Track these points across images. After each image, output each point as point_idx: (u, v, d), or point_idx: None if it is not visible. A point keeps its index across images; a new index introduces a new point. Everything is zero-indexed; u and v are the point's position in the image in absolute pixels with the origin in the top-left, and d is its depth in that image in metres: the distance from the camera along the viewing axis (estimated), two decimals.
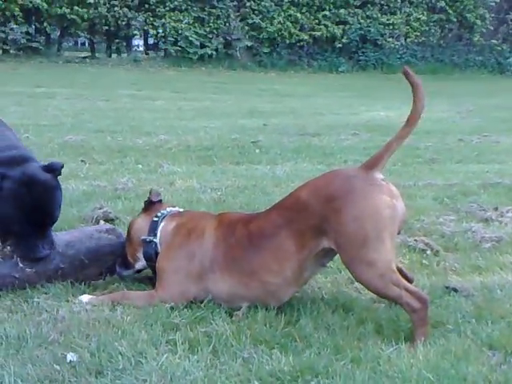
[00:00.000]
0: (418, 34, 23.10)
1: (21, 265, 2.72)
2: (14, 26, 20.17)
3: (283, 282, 2.52)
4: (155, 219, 2.80)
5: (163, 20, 21.52)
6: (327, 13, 22.30)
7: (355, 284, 2.85)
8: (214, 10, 21.83)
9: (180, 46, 21.68)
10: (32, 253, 2.73)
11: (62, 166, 2.91)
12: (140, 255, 2.83)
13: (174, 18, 21.56)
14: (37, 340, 2.25)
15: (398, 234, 2.54)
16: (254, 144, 6.96)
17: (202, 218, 2.80)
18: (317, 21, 22.32)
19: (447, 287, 2.89)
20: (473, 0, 23.58)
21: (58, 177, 2.89)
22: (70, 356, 2.13)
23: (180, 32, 21.57)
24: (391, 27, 22.85)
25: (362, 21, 22.54)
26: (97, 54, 22.76)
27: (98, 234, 2.97)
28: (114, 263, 2.93)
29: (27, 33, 20.76)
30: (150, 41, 24.76)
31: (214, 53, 22.02)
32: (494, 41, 23.75)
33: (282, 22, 22.04)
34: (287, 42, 22.28)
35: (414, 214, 3.95)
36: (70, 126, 7.72)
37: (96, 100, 10.98)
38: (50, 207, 2.82)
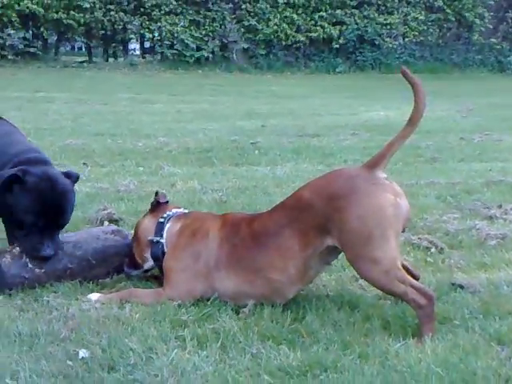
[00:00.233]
0: (417, 33, 23.04)
1: (30, 265, 2.77)
2: (11, 32, 20.20)
3: (288, 279, 2.55)
4: (161, 220, 2.85)
5: (159, 23, 21.56)
6: (324, 13, 22.29)
7: (360, 281, 2.89)
8: (209, 13, 21.86)
9: (176, 49, 21.72)
10: (36, 250, 2.78)
11: (78, 177, 3.07)
12: (148, 255, 2.88)
13: (169, 21, 21.59)
14: (49, 337, 2.29)
15: (403, 231, 2.56)
16: (253, 145, 7.01)
17: (207, 218, 2.85)
18: (313, 22, 22.30)
19: (453, 284, 2.90)
20: None
21: None
22: (82, 352, 2.18)
23: (176, 35, 21.61)
24: (389, 27, 22.81)
25: (359, 21, 22.50)
26: (94, 59, 22.81)
27: (105, 235, 3.02)
28: (120, 264, 2.98)
29: (24, 38, 20.78)
30: (147, 44, 24.77)
31: (211, 55, 22.07)
32: (493, 39, 23.63)
33: (277, 23, 22.04)
34: (283, 43, 22.30)
35: (417, 212, 3.99)
36: (70, 129, 7.76)
37: (95, 104, 11.02)
38: (65, 209, 2.90)
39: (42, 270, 2.79)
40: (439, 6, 23.31)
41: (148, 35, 22.16)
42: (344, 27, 22.47)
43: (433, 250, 3.42)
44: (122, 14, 21.36)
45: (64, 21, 20.65)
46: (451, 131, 8.38)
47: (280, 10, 22.15)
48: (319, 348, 2.25)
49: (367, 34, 22.54)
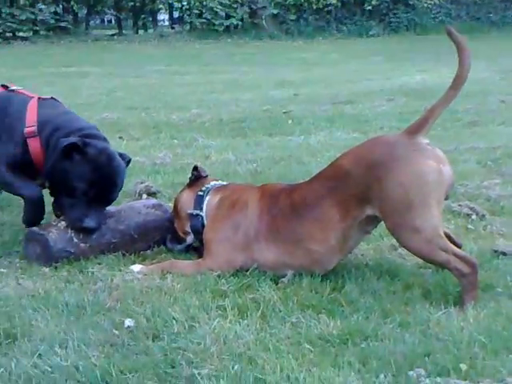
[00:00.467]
0: None
1: (76, 240, 2.84)
2: (43, 7, 20.34)
3: (328, 250, 2.56)
4: (200, 193, 2.89)
5: None
6: None
7: (399, 250, 2.89)
8: None
9: (205, 18, 21.60)
10: (80, 221, 2.85)
11: (130, 160, 3.19)
12: (188, 229, 2.93)
13: None
14: (95, 307, 2.36)
15: (446, 199, 2.53)
16: (286, 114, 6.98)
17: (246, 189, 2.86)
18: None
19: (495, 251, 2.87)
20: None
21: None
22: (128, 322, 2.24)
23: (205, 3, 21.46)
24: None
25: None
26: (124, 31, 22.87)
27: (146, 210, 3.07)
28: (161, 238, 3.04)
29: (55, 13, 20.94)
30: (175, 14, 24.72)
31: (240, 23, 21.89)
32: None
33: None
34: (314, 7, 21.89)
35: (457, 178, 3.90)
36: (104, 103, 7.84)
37: (127, 77, 11.08)
38: (116, 186, 2.99)
39: (87, 245, 2.86)
40: None
41: (177, 4, 22.07)
42: None
43: (474, 216, 3.38)
44: None
45: None
46: (490, 93, 8.17)
47: None
48: (359, 317, 2.26)
49: None
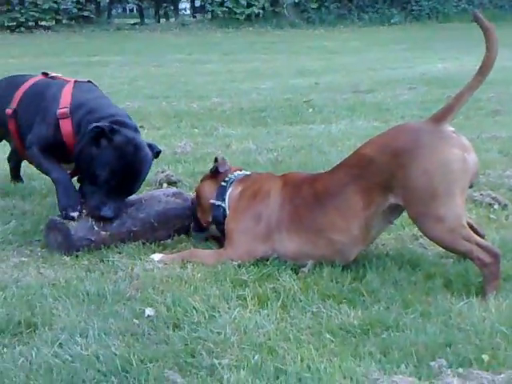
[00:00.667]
0: None
1: (96, 228, 2.85)
2: None
3: (350, 240, 2.53)
4: (223, 184, 2.87)
5: None
6: None
7: (420, 240, 2.86)
8: None
9: (227, 7, 21.57)
10: (97, 209, 2.85)
11: (159, 152, 3.15)
12: (210, 218, 2.92)
13: None
14: (115, 296, 2.37)
15: (470, 187, 2.50)
16: (307, 103, 6.95)
17: (267, 179, 2.84)
18: None
19: None
20: None
21: None
22: (148, 311, 2.24)
23: None
24: None
25: None
26: (145, 20, 22.94)
27: (166, 198, 3.07)
28: (181, 226, 3.04)
29: (78, 2, 21.03)
30: (197, 3, 24.71)
31: (261, 12, 21.82)
32: None
33: None
34: None
35: (479, 167, 3.88)
36: (126, 92, 7.87)
37: (148, 66, 11.12)
38: (139, 177, 2.97)
39: (107, 233, 2.86)
40: None
41: None
42: None
43: (496, 206, 3.34)
44: None
45: None
46: None
47: None
48: (380, 307, 2.24)
49: None
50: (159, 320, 2.19)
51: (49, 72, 3.45)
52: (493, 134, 5.08)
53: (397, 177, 2.39)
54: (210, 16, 22.47)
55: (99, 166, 2.85)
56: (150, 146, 3.05)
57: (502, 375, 1.82)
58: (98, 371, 1.87)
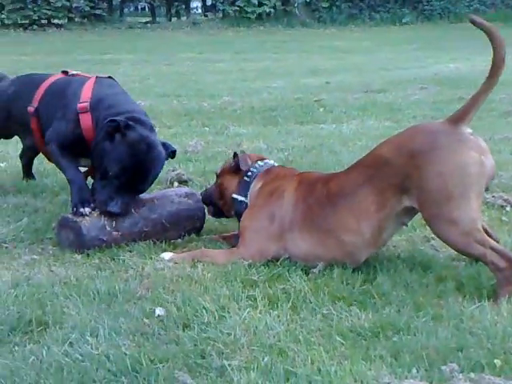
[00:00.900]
0: None
1: (108, 228, 2.85)
2: None
3: (362, 242, 2.51)
4: (246, 179, 2.86)
5: None
6: None
7: (432, 242, 2.85)
8: None
9: (238, 6, 21.57)
10: (104, 204, 2.85)
11: (175, 152, 3.15)
12: (233, 212, 2.93)
13: None
14: (126, 295, 2.37)
15: (486, 190, 2.48)
16: (318, 103, 6.94)
17: (285, 177, 2.80)
18: None
19: None
20: None
21: None
22: (158, 310, 2.24)
23: None
24: None
25: None
26: (157, 19, 23.00)
27: (178, 199, 3.06)
28: (193, 227, 3.05)
29: (90, 0, 21.10)
30: (208, 2, 24.74)
31: (272, 11, 21.81)
32: None
33: None
34: None
35: (495, 170, 3.84)
36: (138, 91, 7.85)
37: (159, 64, 11.15)
38: (149, 176, 2.96)
39: (119, 233, 2.86)
40: None
41: None
42: None
43: (508, 208, 3.32)
44: None
45: None
46: None
47: None
48: (391, 309, 2.23)
49: None
50: (169, 320, 2.18)
51: (69, 70, 3.46)
52: (505, 135, 5.04)
53: (412, 178, 2.36)
54: (221, 15, 22.48)
55: (110, 160, 2.86)
56: (164, 145, 3.04)
57: None
58: (108, 371, 1.87)
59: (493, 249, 2.31)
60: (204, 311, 2.22)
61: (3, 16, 20.59)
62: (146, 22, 22.49)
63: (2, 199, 3.56)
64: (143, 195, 3.04)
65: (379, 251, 2.69)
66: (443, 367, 1.87)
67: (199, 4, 26.68)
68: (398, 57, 11.89)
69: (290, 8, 22.10)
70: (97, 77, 3.28)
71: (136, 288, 2.43)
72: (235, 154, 2.93)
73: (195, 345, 2.01)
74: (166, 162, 3.08)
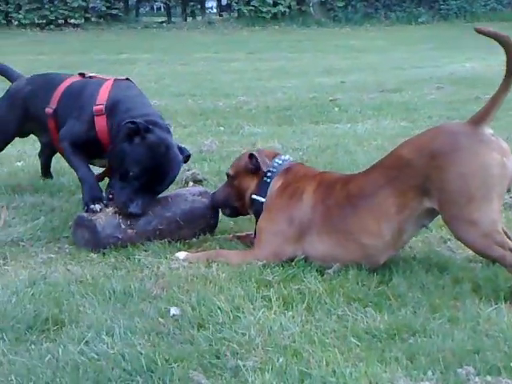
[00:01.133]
0: None
1: (123, 226, 2.86)
2: None
3: (381, 244, 2.49)
4: (266, 180, 2.82)
5: None
6: None
7: (448, 243, 2.83)
8: None
9: (253, 6, 21.56)
10: (125, 205, 2.87)
11: (189, 156, 3.21)
12: (251, 212, 2.92)
13: None
14: (141, 294, 2.38)
15: (508, 191, 2.46)
16: (333, 102, 6.91)
17: (304, 177, 2.76)
18: None
19: None
20: None
21: None
22: (173, 310, 2.24)
23: None
24: None
25: None
26: (173, 19, 23.05)
27: (192, 197, 3.08)
28: (206, 226, 3.05)
29: (106, 0, 21.20)
30: (224, 2, 24.76)
31: (287, 10, 21.78)
32: None
33: None
34: None
35: None
36: (153, 90, 7.88)
37: (175, 64, 11.17)
38: (168, 177, 3.00)
39: (134, 231, 2.88)
40: None
41: None
42: None
43: None
44: None
45: None
46: None
47: None
48: (407, 311, 2.21)
49: None
50: (184, 319, 2.19)
51: (86, 72, 3.48)
52: None
53: (433, 179, 2.35)
54: (236, 14, 22.49)
55: (130, 162, 2.89)
56: (180, 148, 3.07)
57: None
58: (124, 370, 1.88)
59: None
60: (219, 311, 2.23)
61: (20, 16, 20.74)
62: (162, 22, 22.56)
63: (20, 198, 3.59)
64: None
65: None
66: (459, 370, 1.85)
67: (214, 4, 26.72)
68: (413, 56, 11.82)
69: (305, 7, 22.06)
70: (114, 79, 3.30)
71: (151, 287, 2.44)
72: (251, 155, 2.88)
73: (210, 345, 2.02)
74: (181, 165, 3.11)
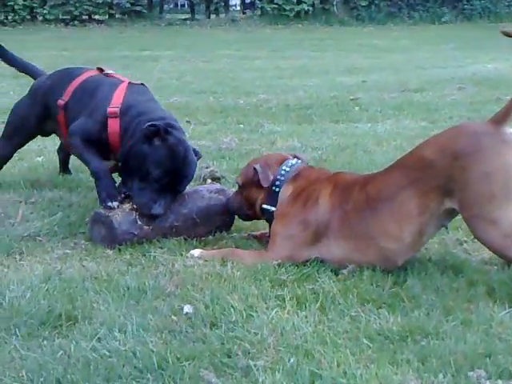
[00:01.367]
0: None
1: (139, 222, 2.88)
2: None
3: (402, 247, 2.46)
4: (275, 189, 2.79)
5: None
6: None
7: (464, 245, 2.81)
8: None
9: (276, 4, 21.54)
10: (148, 207, 2.89)
11: (200, 157, 3.25)
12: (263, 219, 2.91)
13: None
14: (155, 292, 2.38)
15: None
16: (354, 101, 6.88)
17: (317, 181, 2.72)
18: None
19: None
20: None
21: None
22: (187, 308, 2.24)
23: None
24: None
25: None
26: (196, 16, 23.11)
27: (209, 195, 3.08)
28: (223, 223, 3.06)
29: None
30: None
31: (311, 8, 21.72)
32: None
33: None
34: None
35: None
36: (174, 87, 7.94)
37: (197, 61, 11.19)
38: (187, 178, 3.04)
39: (150, 227, 2.89)
40: None
41: None
42: None
43: None
44: None
45: None
46: None
47: None
48: (420, 313, 2.20)
49: None
50: (197, 318, 2.19)
51: (104, 68, 3.51)
52: None
53: (456, 180, 2.34)
54: (259, 12, 22.47)
55: (151, 164, 2.91)
56: (193, 150, 3.10)
57: None
58: (135, 367, 1.88)
59: None
60: (232, 310, 2.23)
61: (45, 11, 20.95)
62: (185, 19, 22.62)
63: (38, 193, 3.63)
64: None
65: None
66: (470, 373, 1.84)
67: (238, 1, 26.73)
68: (435, 56, 11.72)
69: (329, 6, 21.98)
70: (129, 82, 3.32)
71: (166, 285, 2.44)
72: (255, 169, 2.83)
73: (222, 344, 2.02)
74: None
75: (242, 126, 5.74)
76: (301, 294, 2.36)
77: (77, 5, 21.11)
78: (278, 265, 2.60)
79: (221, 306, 2.26)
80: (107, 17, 21.52)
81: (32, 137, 3.82)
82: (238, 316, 2.19)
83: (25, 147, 3.93)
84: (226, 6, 24.13)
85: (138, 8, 21.70)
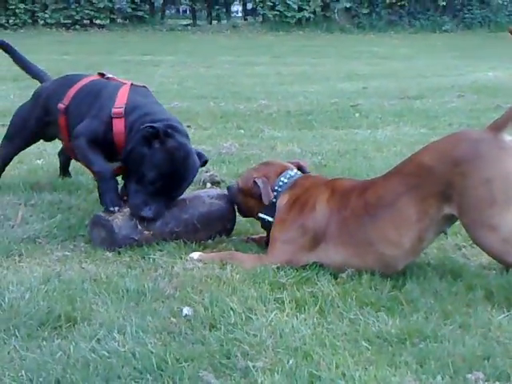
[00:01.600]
0: None
1: (140, 227, 2.87)
2: None
3: (401, 253, 2.47)
4: (272, 200, 2.78)
5: None
6: None
7: (463, 250, 2.82)
8: None
9: (278, 10, 21.62)
10: (139, 208, 2.88)
11: (206, 162, 3.22)
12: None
13: None
14: (154, 294, 2.39)
15: None
16: (354, 108, 6.90)
17: (314, 187, 2.72)
18: None
19: None
20: None
21: None
22: (186, 310, 2.25)
23: None
24: None
25: None
26: (198, 22, 23.18)
27: (210, 200, 3.07)
28: (223, 228, 3.06)
29: (132, 1, 21.41)
30: (249, 6, 24.85)
31: (312, 16, 21.79)
32: None
33: None
34: (387, 1, 21.58)
35: None
36: (175, 92, 7.95)
37: (198, 67, 11.22)
38: (184, 183, 3.01)
39: (150, 232, 2.89)
40: None
41: None
42: None
43: None
44: None
45: None
46: None
47: None
48: (419, 316, 2.21)
49: None
50: (196, 320, 2.20)
51: (105, 72, 3.52)
52: None
53: (456, 186, 2.36)
54: (261, 19, 22.56)
55: (147, 166, 2.90)
56: (198, 154, 3.09)
57: None
58: (134, 368, 1.89)
59: None
60: (231, 312, 2.23)
61: (46, 15, 21.01)
62: (187, 25, 22.70)
63: (38, 196, 3.63)
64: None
65: None
66: (468, 375, 1.85)
67: (240, 8, 26.84)
68: (436, 64, 11.76)
69: (330, 13, 22.06)
70: (132, 84, 3.32)
71: (165, 287, 2.45)
72: (255, 182, 2.83)
73: (221, 345, 2.02)
74: (198, 170, 3.14)
75: (242, 131, 5.75)
76: (300, 296, 2.37)
77: (78, 9, 21.19)
78: (278, 268, 2.61)
79: (220, 308, 2.26)
80: (108, 21, 21.58)
81: (33, 140, 3.83)
82: (238, 318, 2.20)
83: (25, 150, 3.94)
84: (228, 12, 24.25)
85: (139, 13, 21.79)
